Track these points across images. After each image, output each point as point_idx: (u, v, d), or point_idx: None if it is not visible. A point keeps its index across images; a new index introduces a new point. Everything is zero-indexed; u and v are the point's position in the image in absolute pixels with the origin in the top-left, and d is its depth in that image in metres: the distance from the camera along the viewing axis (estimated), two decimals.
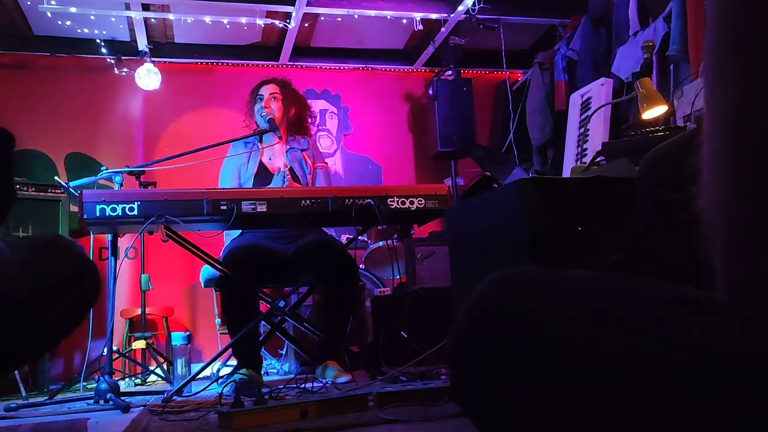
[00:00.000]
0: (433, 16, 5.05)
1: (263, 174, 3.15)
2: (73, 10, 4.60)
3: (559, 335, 0.52)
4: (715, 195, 0.44)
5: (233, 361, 3.34)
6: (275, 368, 4.12)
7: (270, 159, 3.23)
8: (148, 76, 5.10)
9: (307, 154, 3.26)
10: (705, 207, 0.46)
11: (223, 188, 3.05)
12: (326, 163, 3.38)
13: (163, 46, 5.37)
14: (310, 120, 3.40)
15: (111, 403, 2.46)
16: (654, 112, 2.46)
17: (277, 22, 4.95)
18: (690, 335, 0.45)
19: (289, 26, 4.95)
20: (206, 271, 4.05)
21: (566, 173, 4.40)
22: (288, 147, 3.25)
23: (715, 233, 0.45)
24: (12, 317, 0.77)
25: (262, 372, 3.84)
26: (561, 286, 0.57)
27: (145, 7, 4.73)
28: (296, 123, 3.32)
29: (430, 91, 5.37)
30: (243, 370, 2.79)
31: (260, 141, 3.27)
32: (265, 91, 3.27)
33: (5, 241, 0.81)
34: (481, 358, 0.58)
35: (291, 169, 3.19)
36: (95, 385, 2.63)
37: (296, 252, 3.02)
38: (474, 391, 0.60)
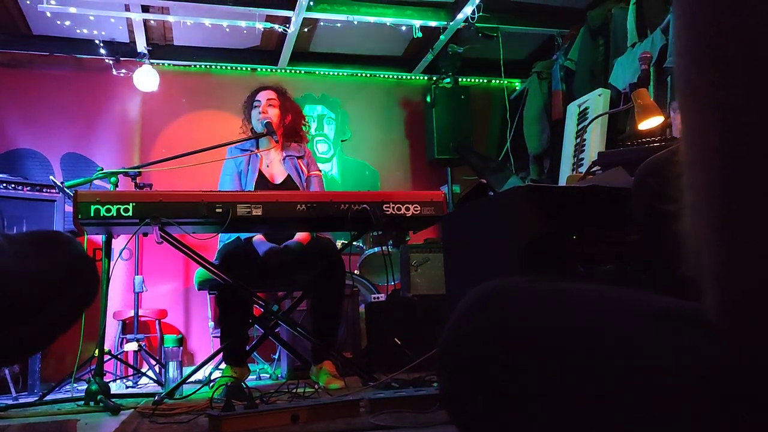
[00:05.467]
0: (432, 23, 5.07)
1: (262, 182, 3.16)
2: (72, 10, 4.60)
3: (545, 350, 0.52)
4: (701, 221, 0.44)
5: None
6: (268, 373, 4.10)
7: (268, 167, 3.24)
8: (146, 78, 5.10)
9: (303, 162, 3.28)
10: (691, 231, 0.45)
11: (219, 191, 3.05)
12: (320, 171, 3.39)
13: (161, 48, 5.38)
14: (304, 128, 3.42)
15: (101, 404, 2.45)
16: (650, 123, 2.47)
17: (276, 26, 4.96)
18: (678, 352, 0.45)
19: (289, 31, 4.96)
20: (200, 273, 4.04)
21: (562, 182, 4.41)
22: (285, 155, 3.26)
23: (702, 257, 0.44)
24: (9, 312, 0.76)
25: (255, 377, 3.84)
26: (548, 300, 0.57)
27: (145, 9, 4.73)
28: (291, 130, 3.33)
29: (428, 99, 5.38)
30: (230, 371, 2.83)
31: (257, 146, 3.28)
32: (262, 97, 3.28)
33: (3, 235, 0.80)
34: (468, 369, 0.58)
35: (289, 177, 3.20)
36: (86, 386, 2.61)
37: (289, 249, 3.03)
38: (461, 401, 0.60)
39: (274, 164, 3.25)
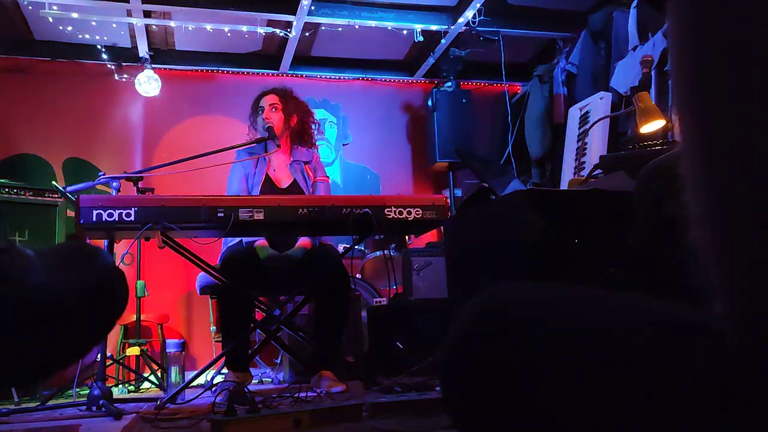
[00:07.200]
0: (434, 27, 5.07)
1: (268, 185, 3.15)
2: (74, 15, 4.61)
3: (548, 355, 0.52)
4: (706, 233, 0.44)
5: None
6: (270, 377, 4.10)
7: (275, 171, 3.23)
8: (148, 83, 5.11)
9: (310, 167, 3.26)
10: (698, 242, 0.45)
11: (221, 195, 3.05)
12: (327, 177, 3.37)
13: (163, 53, 5.39)
14: (313, 127, 3.38)
15: (103, 409, 2.45)
16: (652, 126, 2.47)
17: (278, 30, 4.96)
18: (683, 360, 0.45)
19: (290, 35, 4.97)
20: (202, 278, 4.04)
21: (564, 186, 4.41)
22: (292, 159, 3.25)
23: (711, 268, 0.44)
24: (42, 325, 0.77)
25: (257, 381, 3.84)
26: (551, 305, 0.57)
27: (147, 14, 4.74)
28: (299, 131, 3.30)
29: (430, 102, 5.39)
30: (233, 377, 2.82)
31: (265, 150, 3.25)
32: (265, 102, 3.27)
33: (33, 249, 0.80)
34: (471, 374, 0.58)
35: (295, 181, 3.19)
36: (88, 391, 2.61)
37: (291, 257, 3.02)
38: (463, 406, 0.60)
39: (281, 168, 3.24)
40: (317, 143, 3.46)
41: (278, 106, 3.25)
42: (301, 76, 5.73)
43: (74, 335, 0.80)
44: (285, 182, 3.20)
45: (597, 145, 4.24)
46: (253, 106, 3.34)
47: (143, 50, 5.14)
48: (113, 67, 5.21)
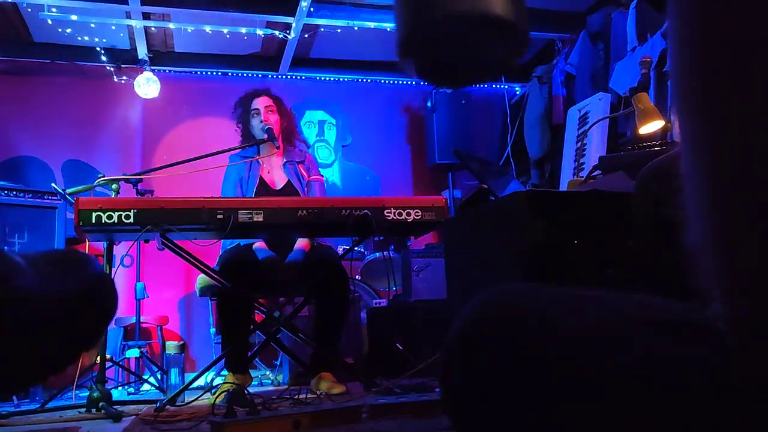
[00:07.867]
0: None
1: (263, 188, 3.16)
2: (73, 17, 4.61)
3: (546, 357, 0.52)
4: (700, 236, 0.44)
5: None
6: (269, 379, 4.10)
7: (269, 173, 3.24)
8: (147, 85, 5.11)
9: (303, 166, 3.27)
10: (693, 243, 0.45)
11: (220, 197, 3.05)
12: (321, 175, 3.38)
13: (162, 55, 5.39)
14: (297, 129, 3.42)
15: (103, 411, 2.44)
16: (651, 127, 2.47)
17: (277, 32, 4.97)
18: (680, 361, 0.45)
19: (289, 37, 4.97)
20: (202, 280, 4.04)
21: (563, 187, 4.41)
22: (285, 160, 3.26)
23: (710, 268, 0.44)
24: (33, 332, 0.77)
25: (256, 383, 3.83)
26: (550, 307, 0.57)
27: (146, 16, 4.74)
28: (290, 131, 3.33)
29: (429, 104, 5.39)
30: (232, 379, 2.82)
31: (258, 153, 3.27)
32: (260, 104, 3.26)
33: (22, 255, 0.80)
34: (470, 376, 0.58)
35: (289, 182, 3.20)
36: (88, 393, 2.61)
37: (291, 262, 3.02)
38: (462, 407, 0.60)
39: (275, 170, 3.24)
40: (316, 144, 3.47)
41: (273, 107, 3.27)
42: (301, 77, 5.73)
43: (62, 342, 0.80)
44: (279, 183, 3.21)
45: (596, 145, 4.24)
46: (244, 108, 3.33)
47: (142, 52, 5.14)
48: (112, 69, 5.21)
